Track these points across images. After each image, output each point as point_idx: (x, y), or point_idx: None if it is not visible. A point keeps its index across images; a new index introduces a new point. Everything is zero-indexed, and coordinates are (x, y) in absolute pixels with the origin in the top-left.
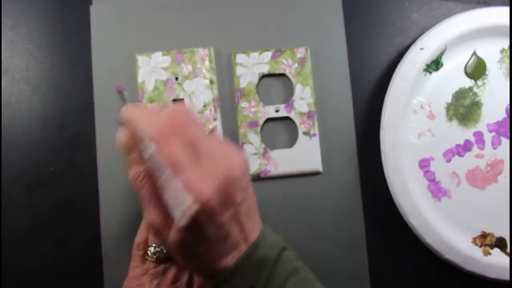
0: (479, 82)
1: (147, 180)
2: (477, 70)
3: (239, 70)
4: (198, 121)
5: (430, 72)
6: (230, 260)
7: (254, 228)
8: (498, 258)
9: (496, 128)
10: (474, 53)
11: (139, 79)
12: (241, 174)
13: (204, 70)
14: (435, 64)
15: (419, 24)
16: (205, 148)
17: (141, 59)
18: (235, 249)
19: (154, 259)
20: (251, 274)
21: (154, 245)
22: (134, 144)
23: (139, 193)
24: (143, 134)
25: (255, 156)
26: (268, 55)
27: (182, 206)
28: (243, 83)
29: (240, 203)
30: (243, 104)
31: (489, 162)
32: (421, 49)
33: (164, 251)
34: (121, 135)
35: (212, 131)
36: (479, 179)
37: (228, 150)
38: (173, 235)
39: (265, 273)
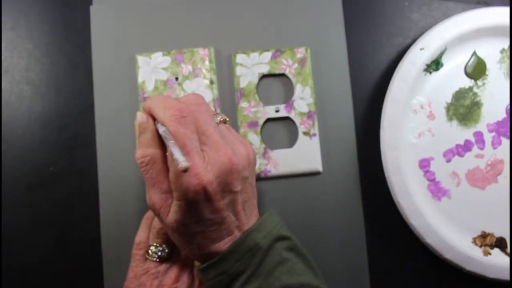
0: (479, 82)
1: (152, 164)
2: (477, 70)
3: (239, 70)
4: (209, 112)
5: (430, 72)
6: (223, 245)
7: (250, 218)
8: (498, 258)
9: (496, 128)
10: (474, 53)
11: (139, 79)
12: (244, 165)
13: (204, 70)
14: (435, 64)
15: (419, 24)
16: (213, 136)
17: (141, 59)
18: (229, 235)
19: (155, 259)
20: (241, 260)
21: (155, 244)
22: (147, 128)
23: (144, 176)
24: (158, 118)
25: None
26: (268, 55)
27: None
28: (243, 83)
29: (238, 192)
30: (243, 104)
31: (489, 162)
32: (421, 49)
33: (167, 250)
34: (139, 117)
35: (224, 122)
36: (479, 179)
37: (236, 141)
38: (171, 215)
39: (256, 260)
